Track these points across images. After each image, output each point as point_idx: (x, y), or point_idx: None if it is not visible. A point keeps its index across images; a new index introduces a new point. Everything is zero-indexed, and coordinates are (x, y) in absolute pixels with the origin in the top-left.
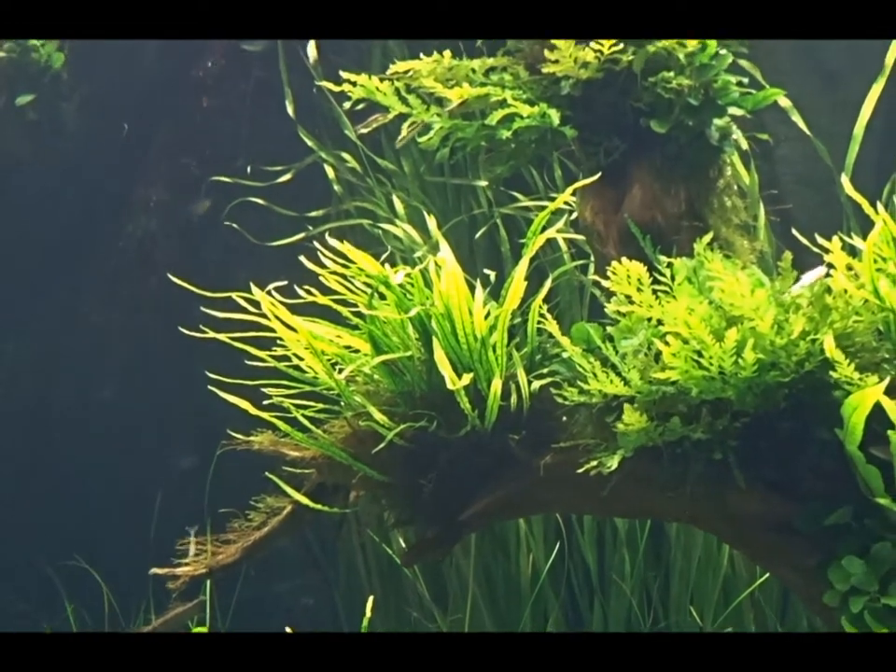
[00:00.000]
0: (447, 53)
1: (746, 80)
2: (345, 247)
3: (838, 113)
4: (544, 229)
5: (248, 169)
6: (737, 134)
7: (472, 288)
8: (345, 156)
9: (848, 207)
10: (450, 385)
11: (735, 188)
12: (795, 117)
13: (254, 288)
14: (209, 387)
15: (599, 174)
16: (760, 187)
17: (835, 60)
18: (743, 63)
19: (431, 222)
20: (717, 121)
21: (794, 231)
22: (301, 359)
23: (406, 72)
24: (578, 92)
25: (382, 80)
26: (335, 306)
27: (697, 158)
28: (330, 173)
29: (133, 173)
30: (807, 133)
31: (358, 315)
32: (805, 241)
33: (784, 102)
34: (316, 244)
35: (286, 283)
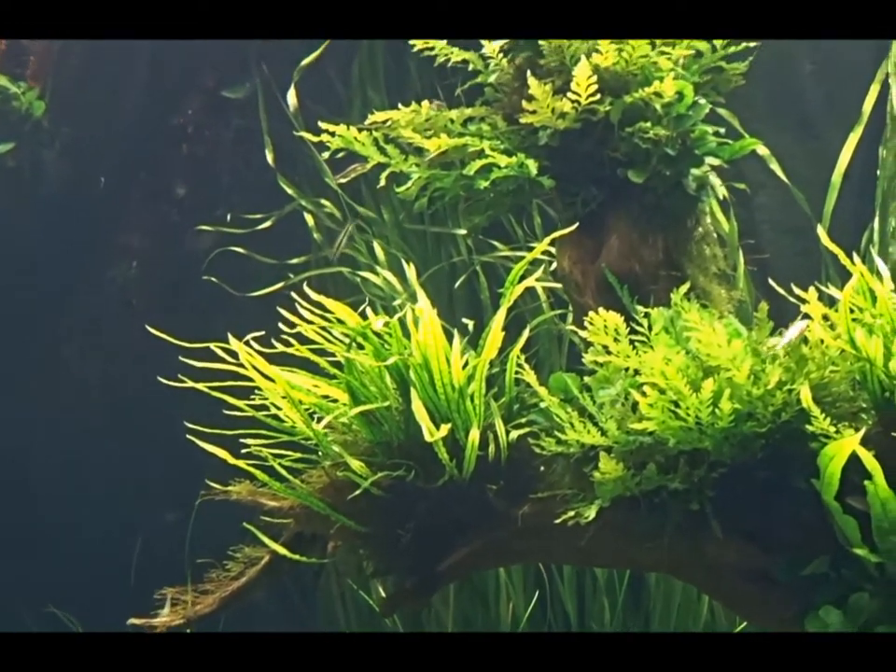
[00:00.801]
0: (425, 104)
1: (723, 130)
2: (323, 299)
3: (816, 161)
4: (522, 278)
5: (228, 217)
6: (716, 182)
7: (451, 337)
8: (325, 203)
9: (827, 255)
10: (427, 437)
11: (714, 236)
12: (774, 165)
13: (231, 339)
14: (188, 437)
15: (576, 224)
16: (739, 234)
17: (813, 108)
18: (721, 111)
19: (410, 271)
20: (694, 171)
21: (771, 281)
22: (280, 409)
23: (384, 122)
24: (555, 143)
25: (360, 130)
26: (313, 357)
27: (675, 207)
28: (310, 220)
29: (114, 220)
30: (786, 180)
31: (336, 364)
32: (781, 291)
33: (762, 150)
34: (294, 295)
35: (263, 333)
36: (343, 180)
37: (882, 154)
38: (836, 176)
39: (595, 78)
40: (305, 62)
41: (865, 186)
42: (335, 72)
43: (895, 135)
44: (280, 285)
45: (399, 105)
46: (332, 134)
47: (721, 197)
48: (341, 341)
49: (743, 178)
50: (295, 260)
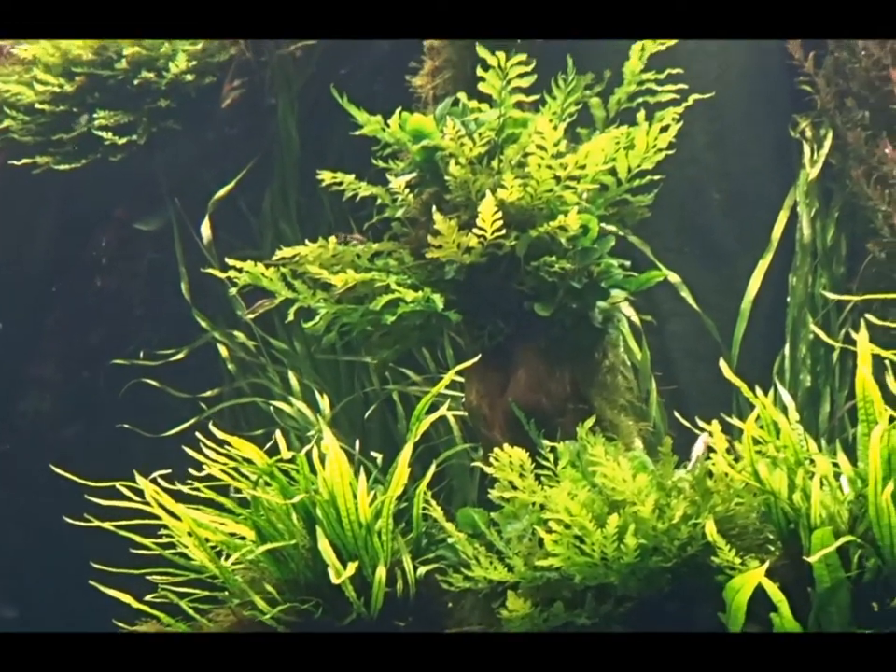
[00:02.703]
0: (332, 239)
1: (629, 263)
2: (230, 437)
3: (727, 289)
4: (433, 409)
5: (140, 353)
6: (627, 312)
7: (361, 471)
8: (238, 335)
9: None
10: (334, 579)
11: (628, 364)
12: (685, 293)
13: (138, 477)
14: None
15: (479, 357)
16: (651, 363)
17: (723, 237)
18: (633, 239)
19: (323, 402)
20: (600, 303)
21: (676, 413)
22: (186, 546)
23: (292, 257)
24: (462, 277)
25: (268, 266)
26: (218, 497)
27: (581, 340)
28: (224, 352)
29: (25, 353)
30: (697, 309)
31: (244, 500)
32: (685, 422)
33: (674, 278)
34: (200, 435)
35: (170, 471)
36: (250, 316)
37: (792, 282)
38: (746, 304)
39: (500, 213)
40: (218, 194)
41: (775, 313)
42: (247, 205)
43: (805, 263)
44: (192, 421)
45: (307, 241)
46: (240, 270)
47: (635, 325)
48: (248, 478)
49: (655, 307)
50: (208, 393)
